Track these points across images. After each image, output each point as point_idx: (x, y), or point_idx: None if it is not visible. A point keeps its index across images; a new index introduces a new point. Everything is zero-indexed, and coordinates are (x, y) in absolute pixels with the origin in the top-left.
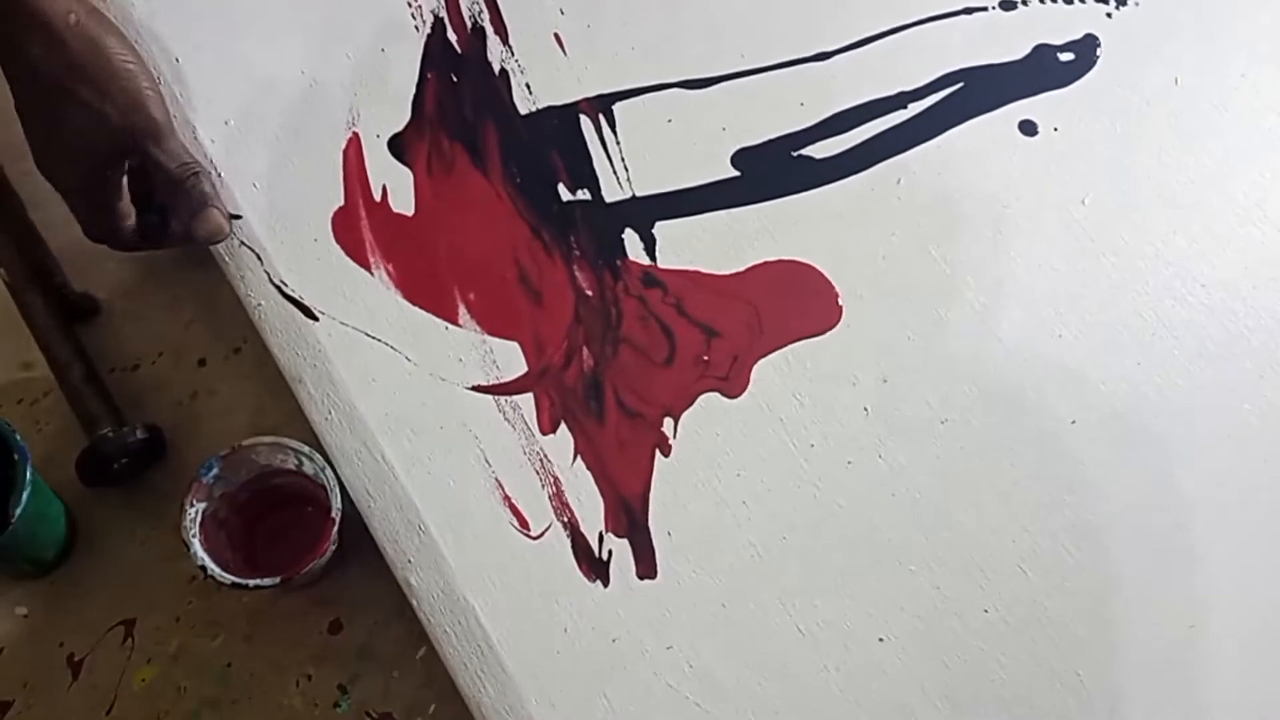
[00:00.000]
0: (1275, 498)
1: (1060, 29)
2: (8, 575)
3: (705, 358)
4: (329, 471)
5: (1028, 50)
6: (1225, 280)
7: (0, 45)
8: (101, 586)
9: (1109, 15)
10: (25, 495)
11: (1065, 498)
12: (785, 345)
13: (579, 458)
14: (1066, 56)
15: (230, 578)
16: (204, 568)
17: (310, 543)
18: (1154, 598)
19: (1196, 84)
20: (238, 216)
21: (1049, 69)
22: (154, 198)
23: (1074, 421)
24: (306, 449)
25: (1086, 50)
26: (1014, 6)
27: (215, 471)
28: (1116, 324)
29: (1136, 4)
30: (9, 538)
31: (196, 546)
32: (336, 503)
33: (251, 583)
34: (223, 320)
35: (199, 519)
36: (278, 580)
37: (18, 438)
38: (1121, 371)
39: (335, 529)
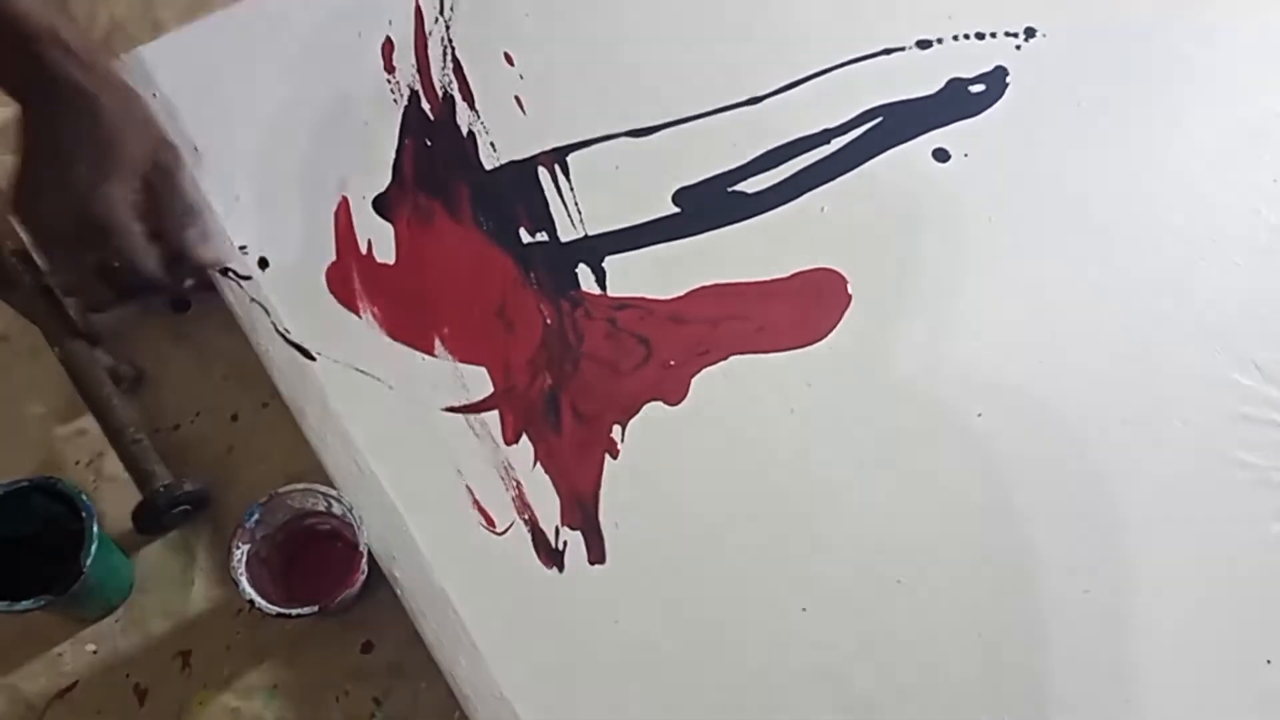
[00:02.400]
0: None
1: (973, 63)
2: (80, 620)
3: (648, 371)
4: (355, 511)
5: (941, 84)
6: (1127, 286)
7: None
8: (160, 622)
9: (1018, 48)
10: (94, 548)
11: (975, 483)
12: (721, 359)
13: (538, 464)
14: (977, 88)
15: (275, 608)
16: (251, 601)
17: (342, 574)
18: (1063, 567)
19: (1098, 108)
20: (247, 277)
21: (961, 100)
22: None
23: (980, 414)
24: (335, 492)
25: (996, 81)
26: (929, 45)
27: (256, 517)
28: (1018, 326)
29: (1044, 35)
30: (81, 586)
31: (244, 583)
32: (364, 538)
33: (294, 612)
34: (250, 377)
35: (244, 559)
36: (316, 608)
37: (84, 497)
38: (1027, 370)
39: (364, 560)
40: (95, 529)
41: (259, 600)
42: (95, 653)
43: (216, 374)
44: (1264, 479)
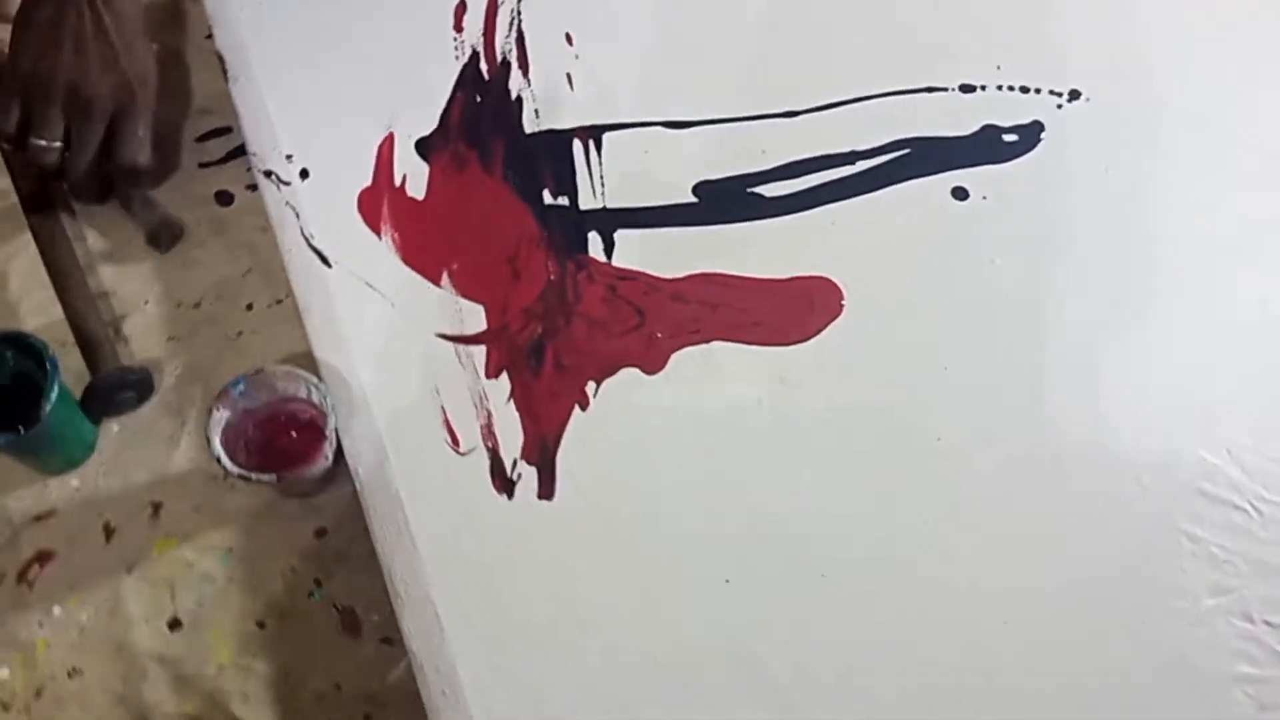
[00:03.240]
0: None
1: (1011, 113)
2: (42, 470)
3: (635, 338)
4: (330, 400)
5: (976, 128)
6: (1116, 349)
7: None
8: (141, 474)
9: (1059, 106)
10: (54, 396)
11: (918, 498)
12: (705, 341)
13: (512, 400)
14: (1010, 137)
15: (237, 469)
16: (219, 459)
17: (312, 460)
18: (987, 588)
19: (1126, 178)
20: (287, 183)
21: (992, 146)
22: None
23: (939, 439)
24: (315, 379)
25: (1030, 134)
26: (972, 90)
27: (241, 388)
28: (997, 369)
29: (1088, 99)
30: (40, 432)
31: (216, 442)
32: (332, 424)
33: (253, 476)
34: (271, 275)
35: (222, 423)
36: (273, 477)
37: (50, 351)
38: (996, 409)
39: (327, 445)
40: (57, 381)
41: (224, 458)
42: (77, 489)
43: (243, 265)
44: (1207, 553)
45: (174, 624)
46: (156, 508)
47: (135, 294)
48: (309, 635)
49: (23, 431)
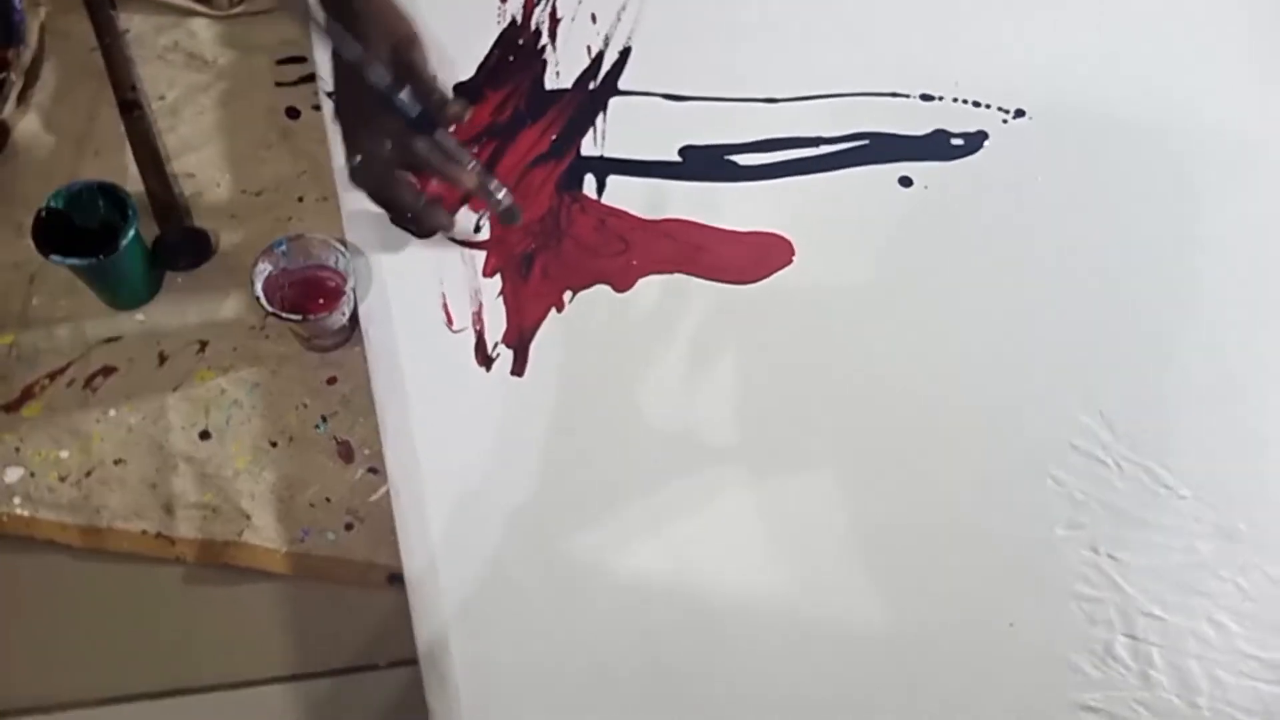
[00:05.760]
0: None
1: (961, 122)
2: (112, 304)
3: (615, 261)
4: (352, 267)
5: (929, 130)
6: (1020, 321)
7: None
8: (195, 316)
9: (1004, 121)
10: (130, 234)
11: (815, 437)
12: (669, 273)
13: (501, 296)
14: (957, 141)
15: (270, 308)
16: (257, 298)
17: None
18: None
19: (1053, 186)
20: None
21: (940, 147)
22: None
23: (848, 379)
24: (344, 250)
25: (975, 141)
26: (931, 99)
27: (283, 248)
28: (909, 328)
29: (1030, 119)
30: (114, 262)
31: (258, 286)
32: (351, 283)
33: (284, 315)
34: (322, 178)
35: (265, 274)
36: (300, 318)
37: (131, 200)
38: (904, 361)
39: (345, 302)
40: (135, 224)
41: (262, 298)
42: (141, 322)
43: (300, 167)
44: (1068, 495)
45: (204, 435)
46: (203, 345)
47: (210, 179)
48: (310, 457)
49: (100, 259)
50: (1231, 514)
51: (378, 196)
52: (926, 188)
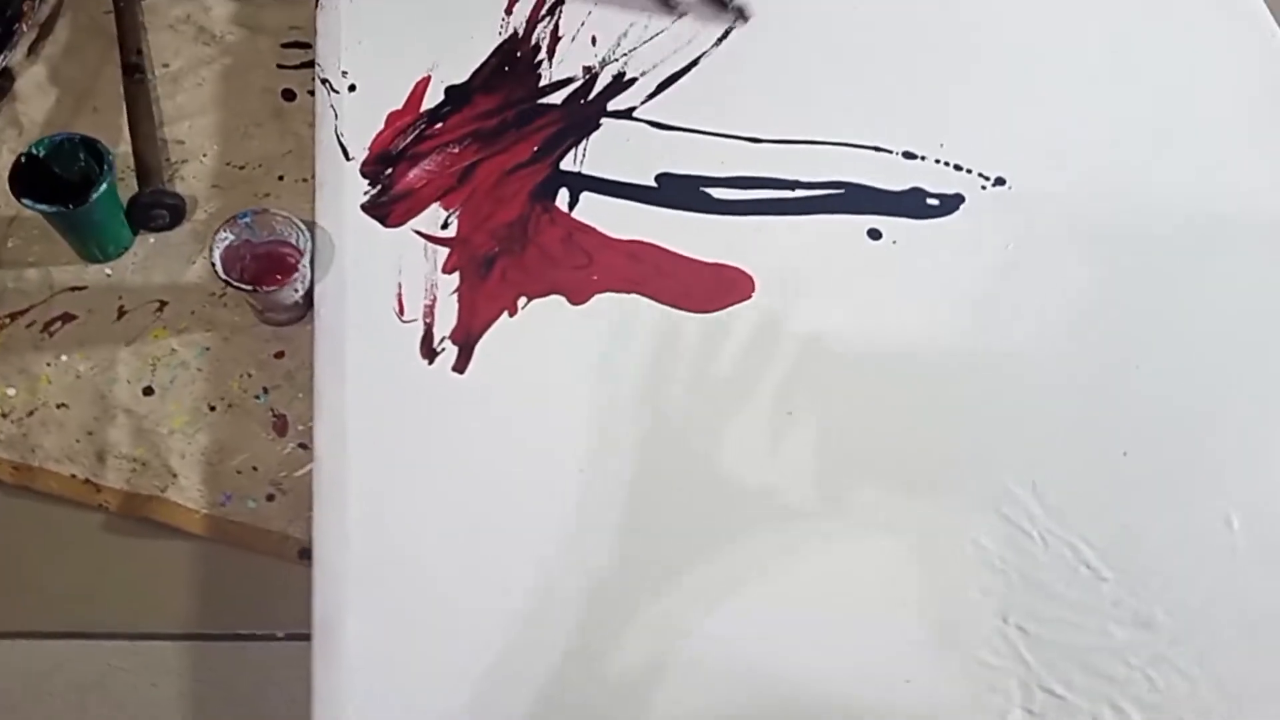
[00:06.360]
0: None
1: (941, 183)
2: (83, 255)
3: (575, 274)
4: (310, 244)
5: (906, 187)
6: (964, 385)
7: None
8: (160, 277)
9: (983, 188)
10: (104, 186)
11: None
12: (627, 292)
13: (456, 294)
14: (933, 201)
15: (225, 277)
16: (214, 264)
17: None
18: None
19: (1016, 259)
20: (338, 91)
21: (915, 204)
22: None
23: (789, 413)
24: (305, 230)
25: (951, 203)
26: (913, 158)
27: (247, 220)
28: (859, 373)
29: (1010, 188)
30: (87, 213)
31: (216, 254)
32: (305, 259)
33: (236, 284)
34: (304, 160)
35: (225, 242)
36: (251, 288)
37: (110, 155)
38: (855, 385)
39: (299, 279)
40: (109, 176)
41: (219, 266)
42: (108, 276)
43: (286, 146)
44: (988, 560)
45: (148, 390)
46: (163, 305)
47: (198, 147)
48: (245, 425)
49: (70, 208)
50: (1151, 603)
51: None
52: (895, 242)
